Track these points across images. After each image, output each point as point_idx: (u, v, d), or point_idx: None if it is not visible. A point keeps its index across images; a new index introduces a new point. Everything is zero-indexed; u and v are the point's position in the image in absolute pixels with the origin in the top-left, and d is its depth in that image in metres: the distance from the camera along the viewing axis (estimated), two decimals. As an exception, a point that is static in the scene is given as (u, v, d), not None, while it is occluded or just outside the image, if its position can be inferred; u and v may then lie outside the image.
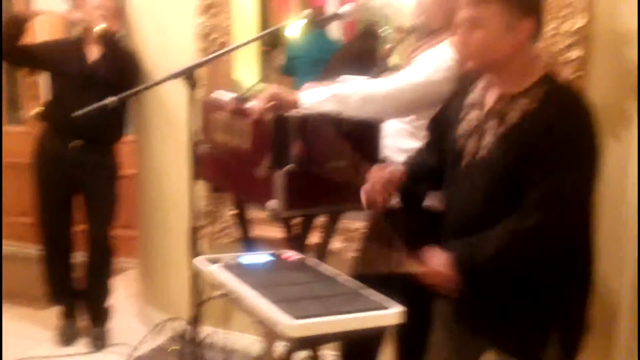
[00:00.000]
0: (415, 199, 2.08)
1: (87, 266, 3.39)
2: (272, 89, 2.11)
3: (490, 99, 1.75)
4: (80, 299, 3.45)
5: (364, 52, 4.55)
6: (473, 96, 1.80)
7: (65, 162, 3.21)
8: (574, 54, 2.42)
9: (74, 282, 3.46)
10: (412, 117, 2.17)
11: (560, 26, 2.40)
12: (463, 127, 1.79)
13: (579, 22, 2.38)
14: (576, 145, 1.61)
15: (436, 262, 1.70)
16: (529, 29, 1.65)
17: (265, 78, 4.78)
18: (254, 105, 2.08)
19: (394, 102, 2.05)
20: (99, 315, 3.41)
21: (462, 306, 1.80)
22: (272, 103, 2.06)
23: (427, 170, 1.96)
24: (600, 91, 2.40)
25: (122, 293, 3.90)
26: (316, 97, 2.06)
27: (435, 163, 1.92)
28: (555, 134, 1.59)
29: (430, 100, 2.05)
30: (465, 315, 1.82)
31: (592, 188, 1.64)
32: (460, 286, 1.69)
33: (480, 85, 1.80)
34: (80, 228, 3.46)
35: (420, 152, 2.03)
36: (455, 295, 1.72)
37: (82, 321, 3.46)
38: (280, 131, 2.02)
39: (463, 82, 1.90)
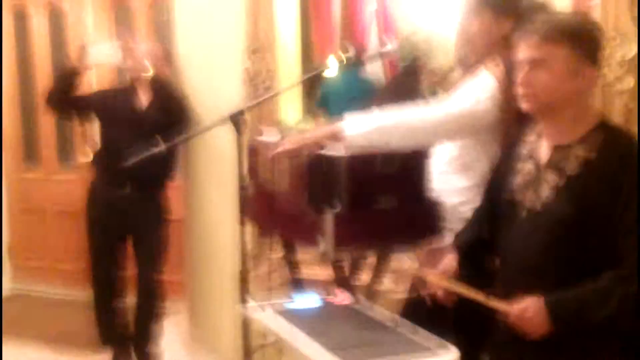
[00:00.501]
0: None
1: (136, 310, 3.40)
2: (317, 128, 2.09)
3: (545, 149, 1.72)
4: (129, 343, 3.45)
5: (406, 89, 4.58)
6: (527, 147, 1.78)
7: (116, 208, 3.26)
8: (626, 83, 2.35)
9: (123, 327, 3.47)
10: (458, 154, 2.13)
11: (611, 57, 2.34)
12: (519, 179, 1.76)
13: (630, 51, 2.32)
14: None
15: (526, 304, 1.62)
16: (591, 77, 1.65)
17: (309, 116, 4.83)
18: (284, 146, 2.07)
19: (440, 131, 2.03)
20: (143, 359, 3.41)
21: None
22: (310, 142, 2.04)
23: (479, 244, 1.90)
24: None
25: (171, 337, 3.89)
26: (360, 129, 2.04)
27: (487, 234, 1.87)
28: (623, 186, 1.57)
29: (475, 128, 2.03)
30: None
31: None
32: (550, 333, 1.60)
33: (532, 135, 1.77)
34: (129, 272, 3.48)
35: (472, 221, 1.97)
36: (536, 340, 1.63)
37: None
38: (322, 171, 2.00)
39: (512, 132, 1.88)
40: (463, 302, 1.79)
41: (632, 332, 1.61)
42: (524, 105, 1.69)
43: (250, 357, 2.39)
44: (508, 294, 1.72)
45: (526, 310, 1.61)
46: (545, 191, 1.67)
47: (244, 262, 2.21)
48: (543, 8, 2.37)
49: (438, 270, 1.85)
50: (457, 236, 1.98)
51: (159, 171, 3.24)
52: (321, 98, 4.40)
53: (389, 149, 2.03)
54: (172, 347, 3.77)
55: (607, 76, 2.36)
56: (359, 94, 4.28)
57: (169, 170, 3.37)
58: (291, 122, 4.51)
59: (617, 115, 2.33)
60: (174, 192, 3.59)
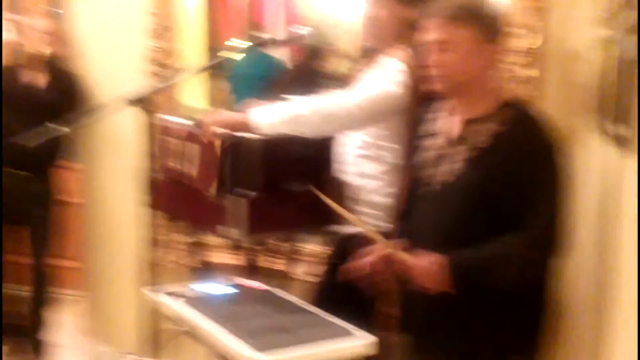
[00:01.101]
0: None
1: (30, 298, 3.24)
2: (221, 113, 2.05)
3: (454, 125, 1.76)
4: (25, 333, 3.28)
5: (308, 75, 4.58)
6: (438, 122, 1.81)
7: (5, 190, 3.07)
8: (530, 73, 2.43)
9: (19, 317, 3.29)
10: (370, 140, 2.14)
11: (516, 45, 2.41)
12: (431, 154, 1.79)
13: (534, 42, 2.40)
14: (553, 168, 1.66)
15: (430, 260, 1.66)
16: (493, 54, 1.71)
17: (212, 101, 4.73)
18: (204, 130, 2.01)
19: (352, 117, 2.04)
20: (36, 348, 3.25)
21: (430, 319, 1.77)
22: (222, 127, 1.99)
23: None
24: (556, 109, 2.42)
25: (69, 328, 3.72)
26: (271, 119, 2.01)
27: None
28: (532, 156, 1.64)
29: (387, 113, 2.07)
30: (426, 335, 1.79)
31: (564, 200, 1.68)
32: (449, 289, 1.65)
33: (440, 112, 1.81)
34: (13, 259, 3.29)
35: (404, 212, 1.98)
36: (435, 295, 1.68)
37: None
38: (235, 155, 1.95)
39: (416, 114, 1.91)
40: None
41: (532, 299, 1.68)
42: (437, 86, 1.73)
43: (157, 347, 2.31)
44: None
45: (430, 264, 1.65)
46: (458, 164, 1.72)
47: (148, 248, 2.12)
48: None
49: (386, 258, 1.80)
50: (394, 230, 1.97)
51: (43, 152, 3.05)
52: (230, 80, 4.33)
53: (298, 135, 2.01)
54: (71, 337, 3.61)
55: (513, 65, 2.43)
56: (268, 72, 4.24)
57: (54, 151, 3.19)
58: (195, 105, 4.41)
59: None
60: (74, 175, 3.41)
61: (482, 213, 1.67)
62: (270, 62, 4.35)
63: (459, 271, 1.64)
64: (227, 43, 4.47)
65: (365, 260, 1.78)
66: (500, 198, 1.65)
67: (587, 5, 2.33)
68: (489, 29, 1.70)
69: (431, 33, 1.70)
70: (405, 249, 1.74)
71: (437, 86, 1.73)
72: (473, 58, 1.68)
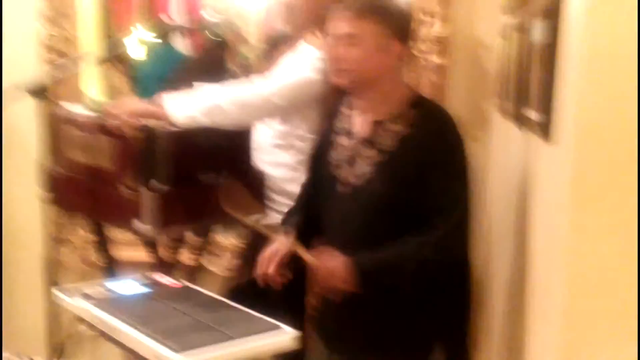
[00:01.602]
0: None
1: None
2: (129, 102, 1.95)
3: (360, 125, 1.75)
4: None
5: (213, 64, 4.47)
6: (342, 120, 1.79)
7: None
8: (436, 59, 2.47)
9: None
10: (285, 130, 2.11)
11: (419, 32, 2.45)
12: (336, 154, 1.77)
13: (440, 29, 2.44)
14: (456, 165, 1.67)
15: (335, 262, 1.65)
16: (399, 51, 1.69)
17: (114, 91, 4.53)
18: (114, 117, 1.90)
19: (271, 105, 2.00)
20: None
21: (341, 323, 1.77)
22: (134, 115, 1.90)
23: (311, 223, 1.86)
24: (460, 95, 2.48)
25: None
26: (185, 110, 1.93)
27: (314, 211, 1.86)
28: (436, 157, 1.64)
29: (301, 101, 2.03)
30: (342, 333, 1.79)
31: (471, 197, 1.69)
32: (354, 290, 1.64)
33: (348, 109, 1.79)
34: None
35: (300, 200, 1.96)
36: (340, 299, 1.67)
37: None
38: (147, 146, 1.87)
39: (332, 106, 1.89)
40: (292, 282, 1.77)
41: (449, 293, 1.71)
42: (336, 81, 1.71)
43: (61, 351, 2.19)
44: None
45: (333, 265, 1.64)
46: (363, 167, 1.70)
47: (53, 246, 2.00)
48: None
49: (275, 256, 1.78)
50: (286, 218, 1.95)
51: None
52: (131, 70, 4.15)
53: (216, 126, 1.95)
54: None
55: (414, 52, 2.46)
56: (170, 66, 4.09)
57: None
58: (97, 96, 4.21)
59: (425, 90, 2.45)
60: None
61: (390, 218, 1.67)
62: (173, 52, 4.22)
63: (363, 271, 1.63)
64: (130, 31, 4.32)
65: (263, 258, 1.76)
66: (408, 203, 1.65)
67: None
68: (396, 26, 1.68)
69: (338, 26, 1.67)
70: (309, 248, 1.72)
71: (341, 81, 1.70)
72: (379, 54, 1.66)
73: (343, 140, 1.77)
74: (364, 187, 1.70)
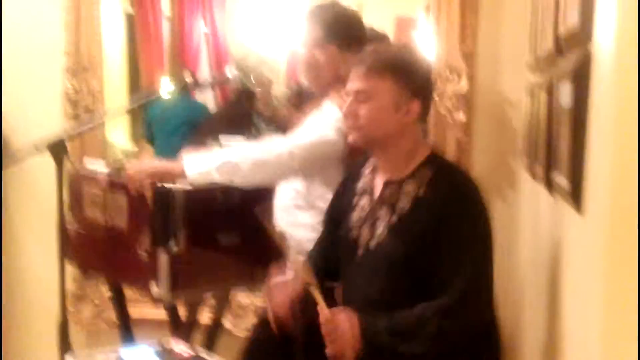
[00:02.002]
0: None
1: None
2: (147, 161, 1.92)
3: (379, 184, 1.70)
4: None
5: (241, 114, 4.52)
6: (362, 182, 1.75)
7: None
8: (462, 117, 2.43)
9: None
10: (305, 190, 2.07)
11: (444, 89, 2.42)
12: (356, 216, 1.72)
13: (465, 86, 2.41)
14: (471, 226, 1.59)
15: (346, 323, 1.57)
16: (416, 111, 1.63)
17: (137, 140, 4.58)
18: (132, 178, 1.88)
19: (289, 165, 1.95)
20: None
21: None
22: (151, 177, 1.87)
23: (331, 270, 1.81)
24: (485, 153, 2.42)
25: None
26: (202, 167, 1.90)
27: (333, 265, 1.80)
28: (449, 219, 1.56)
29: (321, 161, 1.99)
30: None
31: (491, 263, 1.61)
32: (355, 351, 1.55)
33: (367, 170, 1.75)
34: None
35: (318, 248, 1.91)
36: None
37: None
38: (163, 207, 1.83)
39: (353, 167, 1.84)
40: (310, 335, 1.69)
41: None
42: (350, 138, 1.67)
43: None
44: None
45: (342, 320, 1.57)
46: (379, 228, 1.65)
47: (64, 311, 1.94)
48: (384, 40, 2.40)
49: (287, 297, 1.74)
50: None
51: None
52: (148, 123, 4.18)
53: (233, 185, 1.91)
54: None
55: (439, 110, 2.43)
56: (192, 117, 4.13)
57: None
58: (118, 147, 4.25)
59: (450, 147, 2.41)
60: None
61: (406, 282, 1.60)
62: (194, 106, 4.26)
63: (370, 332, 1.55)
64: (154, 84, 4.38)
65: (274, 285, 1.73)
66: (423, 266, 1.58)
67: (515, 51, 2.36)
68: (415, 84, 1.62)
69: (354, 82, 1.64)
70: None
71: (354, 138, 1.66)
72: (394, 113, 1.61)
73: (364, 202, 1.72)
74: (378, 251, 1.64)
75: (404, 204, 1.62)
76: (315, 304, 1.61)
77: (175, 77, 4.49)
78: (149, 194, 1.84)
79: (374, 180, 1.71)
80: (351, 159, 1.97)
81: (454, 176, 1.66)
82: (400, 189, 1.63)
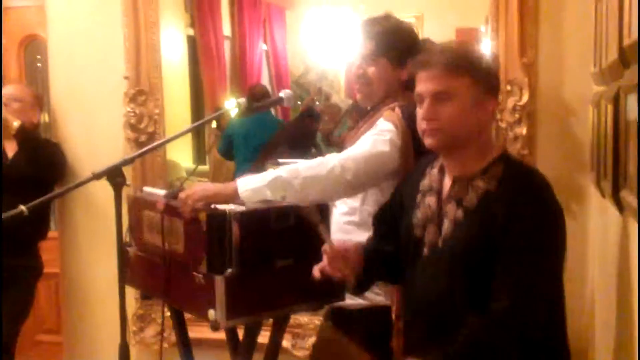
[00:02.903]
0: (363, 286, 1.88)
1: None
2: (204, 184, 1.93)
3: (447, 183, 1.65)
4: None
5: (304, 132, 4.56)
6: (428, 180, 1.70)
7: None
8: (520, 130, 2.35)
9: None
10: (360, 207, 2.03)
11: (505, 102, 2.34)
12: (420, 214, 1.67)
13: (523, 98, 2.33)
14: (543, 227, 1.51)
15: None
16: (492, 108, 1.62)
17: (201, 159, 4.65)
18: (184, 202, 1.88)
19: (340, 179, 1.90)
20: None
21: None
22: (203, 199, 1.87)
23: (384, 257, 1.80)
24: (549, 167, 2.32)
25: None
26: (254, 184, 1.89)
27: (391, 251, 1.78)
28: (519, 216, 1.49)
29: (374, 176, 1.95)
30: None
31: (562, 269, 1.53)
32: None
33: (434, 169, 1.70)
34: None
35: (373, 240, 1.86)
36: None
37: None
38: (216, 230, 1.83)
39: (416, 166, 1.80)
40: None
41: None
42: (428, 141, 1.61)
43: None
44: (412, 335, 1.67)
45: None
46: (445, 225, 1.60)
47: (124, 333, 1.97)
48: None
49: (342, 254, 1.71)
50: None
51: (30, 225, 2.91)
52: (225, 144, 4.23)
53: (286, 204, 1.89)
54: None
55: (500, 123, 2.35)
56: (269, 134, 4.19)
57: (43, 223, 3.05)
58: (182, 167, 4.32)
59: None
60: (50, 243, 3.26)
61: (472, 276, 1.53)
62: (273, 124, 4.30)
63: None
64: (217, 103, 4.44)
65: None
66: (485, 264, 1.50)
67: (578, 61, 2.26)
68: (488, 80, 1.60)
69: (428, 84, 1.58)
70: None
71: (431, 141, 1.60)
72: (472, 111, 1.57)
73: (430, 200, 1.67)
74: (444, 248, 1.59)
75: (472, 198, 1.57)
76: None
77: (233, 101, 4.57)
78: (202, 217, 1.83)
79: (443, 179, 1.67)
80: (407, 170, 1.92)
81: (527, 173, 1.61)
82: (470, 185, 1.59)
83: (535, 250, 1.49)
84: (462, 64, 1.57)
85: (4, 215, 1.84)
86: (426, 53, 1.65)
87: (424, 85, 1.59)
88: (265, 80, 5.85)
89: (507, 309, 1.46)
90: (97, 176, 1.86)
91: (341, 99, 4.60)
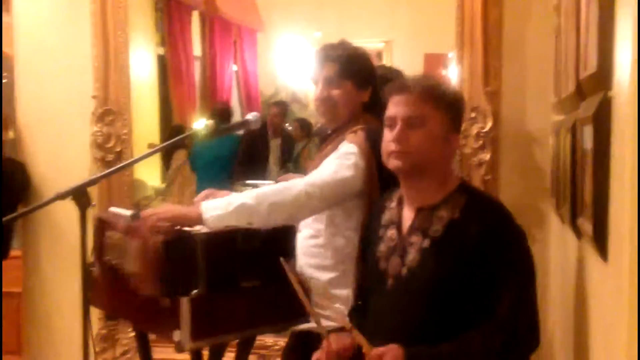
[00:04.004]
0: None
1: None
2: (168, 206, 1.93)
3: (408, 214, 1.69)
4: None
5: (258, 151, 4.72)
6: (388, 214, 1.74)
7: None
8: (483, 156, 2.40)
9: None
10: (322, 229, 2.05)
11: (469, 129, 2.39)
12: (383, 247, 1.71)
13: (487, 124, 2.38)
14: (519, 250, 1.59)
15: (385, 349, 1.54)
16: (457, 144, 1.69)
17: (168, 178, 4.65)
18: (148, 223, 1.87)
19: (303, 206, 1.94)
20: None
21: None
22: (168, 220, 1.87)
23: None
24: (512, 192, 2.38)
25: None
26: (219, 211, 1.90)
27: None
28: (494, 243, 1.55)
29: (338, 199, 1.98)
30: None
31: (535, 287, 1.60)
32: None
33: (393, 202, 1.74)
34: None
35: (359, 291, 1.89)
36: None
37: None
38: (180, 251, 1.82)
39: (378, 202, 1.84)
40: None
41: None
42: (394, 163, 1.64)
43: None
44: None
45: (384, 354, 1.53)
46: (411, 254, 1.63)
47: (86, 355, 1.94)
48: (399, 75, 2.40)
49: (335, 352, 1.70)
50: (351, 315, 1.85)
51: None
52: (192, 156, 4.40)
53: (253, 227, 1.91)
54: None
55: (465, 149, 2.40)
56: (227, 150, 4.29)
57: (4, 244, 3.01)
58: (149, 186, 4.31)
59: (476, 185, 2.37)
60: (12, 262, 3.22)
61: (438, 307, 1.58)
62: (223, 142, 4.35)
63: None
64: (186, 122, 4.46)
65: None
66: (457, 290, 1.56)
67: (539, 90, 2.33)
68: (456, 116, 1.66)
69: (403, 108, 1.62)
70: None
71: (397, 163, 1.63)
72: (438, 142, 1.62)
73: (391, 233, 1.70)
74: (409, 277, 1.62)
75: (437, 228, 1.61)
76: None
77: (200, 123, 4.61)
78: (158, 238, 1.82)
79: (402, 211, 1.71)
80: (370, 192, 1.96)
81: (488, 202, 1.68)
82: (433, 215, 1.63)
83: (518, 271, 1.56)
84: (439, 95, 1.62)
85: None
86: (403, 79, 1.72)
87: (398, 108, 1.63)
88: (235, 100, 5.88)
89: (509, 316, 1.53)
90: (61, 196, 1.84)
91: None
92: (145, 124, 4.02)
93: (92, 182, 1.93)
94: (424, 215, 1.64)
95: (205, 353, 2.14)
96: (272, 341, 2.78)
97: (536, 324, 1.59)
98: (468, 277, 1.55)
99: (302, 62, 5.51)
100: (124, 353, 2.92)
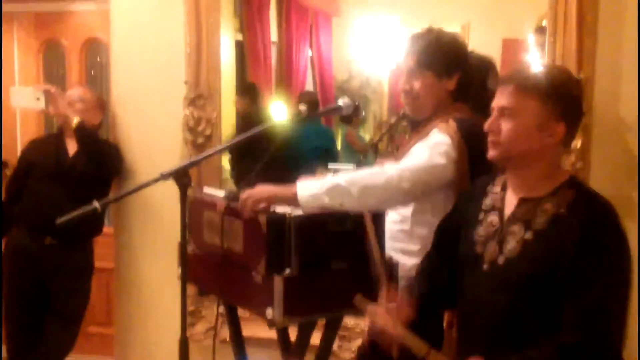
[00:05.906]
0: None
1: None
2: (264, 186, 1.99)
3: (511, 202, 1.67)
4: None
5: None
6: (491, 199, 1.73)
7: (39, 262, 3.01)
8: (574, 144, 2.36)
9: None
10: (409, 216, 2.07)
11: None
12: (482, 230, 1.70)
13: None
14: (613, 257, 1.52)
15: None
16: (561, 133, 1.60)
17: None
18: (244, 204, 1.95)
19: (395, 191, 1.96)
20: None
21: None
22: (263, 201, 1.94)
23: (436, 295, 1.83)
24: (602, 181, 2.34)
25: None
26: (313, 190, 1.95)
27: (444, 283, 1.81)
28: (594, 246, 1.50)
29: (429, 187, 2.00)
30: None
31: (629, 299, 1.53)
32: None
33: (496, 186, 1.73)
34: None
35: (424, 271, 1.90)
36: None
37: None
38: (276, 232, 1.89)
39: (479, 183, 1.82)
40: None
41: None
42: (490, 152, 1.65)
43: None
44: (465, 348, 1.67)
45: None
46: (510, 244, 1.62)
47: (184, 329, 2.03)
48: (489, 62, 2.38)
49: (391, 318, 1.73)
50: (411, 287, 1.88)
51: (87, 223, 3.03)
52: (284, 153, 4.33)
53: (344, 210, 1.95)
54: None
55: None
56: (323, 142, 4.26)
57: (98, 222, 3.16)
58: (226, 169, 4.41)
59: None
60: (105, 239, 3.37)
61: (537, 300, 1.56)
62: (323, 132, 4.37)
63: None
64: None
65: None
66: (553, 287, 1.53)
67: (634, 76, 2.27)
68: (560, 107, 1.59)
69: (499, 98, 1.64)
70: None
71: (491, 152, 1.65)
72: (532, 132, 1.59)
73: (492, 218, 1.70)
74: (511, 266, 1.61)
75: (541, 221, 1.59)
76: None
77: (290, 108, 4.65)
78: (261, 219, 1.90)
79: (505, 197, 1.70)
80: (461, 182, 1.96)
81: (597, 202, 1.60)
82: (538, 207, 1.61)
83: (608, 284, 1.49)
84: (532, 85, 1.60)
85: (78, 210, 1.93)
86: (510, 70, 1.69)
87: (496, 99, 1.65)
88: (309, 85, 5.92)
89: (578, 345, 1.47)
90: (165, 176, 1.93)
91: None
92: (227, 108, 4.10)
93: (193, 164, 2.01)
94: (528, 207, 1.62)
95: (292, 331, 2.21)
96: (354, 323, 2.83)
97: (614, 336, 1.50)
98: (563, 277, 1.52)
99: (377, 47, 5.50)
100: (211, 328, 3.02)
